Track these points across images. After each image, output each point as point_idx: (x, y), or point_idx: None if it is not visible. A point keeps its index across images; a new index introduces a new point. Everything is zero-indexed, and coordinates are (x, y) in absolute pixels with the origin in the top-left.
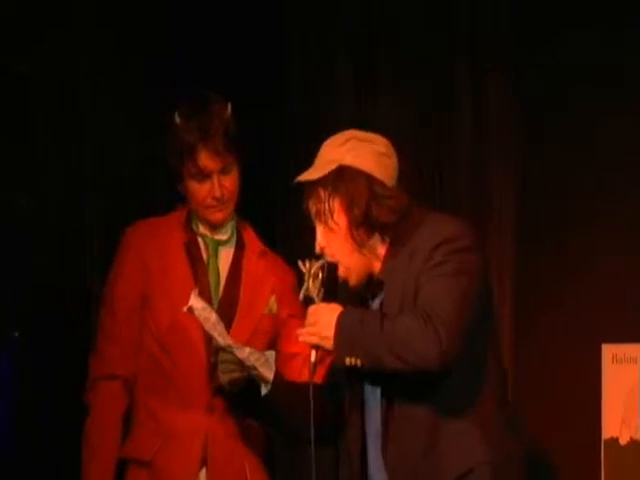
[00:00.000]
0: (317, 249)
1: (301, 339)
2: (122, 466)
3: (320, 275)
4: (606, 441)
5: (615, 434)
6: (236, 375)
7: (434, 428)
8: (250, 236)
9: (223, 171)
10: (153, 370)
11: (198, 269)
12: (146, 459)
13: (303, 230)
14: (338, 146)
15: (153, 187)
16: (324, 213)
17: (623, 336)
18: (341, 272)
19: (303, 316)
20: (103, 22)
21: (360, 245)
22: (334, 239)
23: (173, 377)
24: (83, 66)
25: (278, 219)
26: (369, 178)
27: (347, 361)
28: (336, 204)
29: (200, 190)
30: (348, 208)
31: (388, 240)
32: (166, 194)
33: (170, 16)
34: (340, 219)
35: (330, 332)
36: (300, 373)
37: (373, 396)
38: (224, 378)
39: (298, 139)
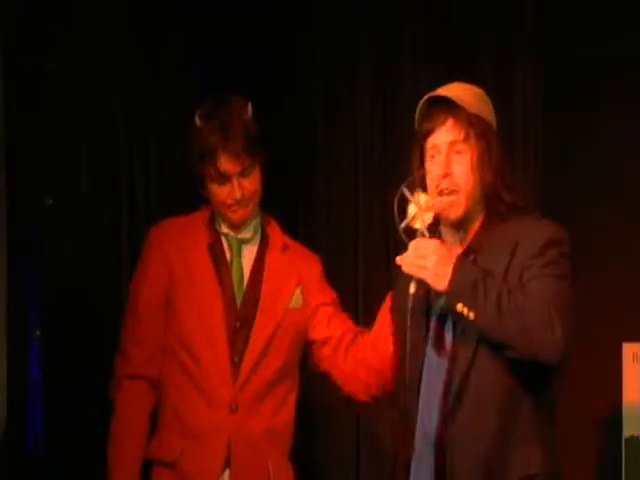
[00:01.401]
0: (442, 172)
1: (405, 269)
2: (149, 466)
3: (433, 211)
4: (627, 439)
5: (636, 432)
6: None
7: (509, 412)
8: (274, 231)
9: (243, 173)
10: (177, 371)
11: (221, 269)
12: (170, 460)
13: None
14: (479, 99)
15: (181, 187)
16: (470, 149)
17: None
18: (454, 201)
19: (334, 302)
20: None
21: (483, 194)
22: (463, 172)
23: (196, 377)
24: (113, 66)
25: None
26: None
27: (459, 307)
28: (485, 154)
29: (221, 192)
30: (494, 166)
31: (488, 207)
32: (194, 193)
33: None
34: (481, 168)
35: (445, 270)
36: (331, 356)
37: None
38: None
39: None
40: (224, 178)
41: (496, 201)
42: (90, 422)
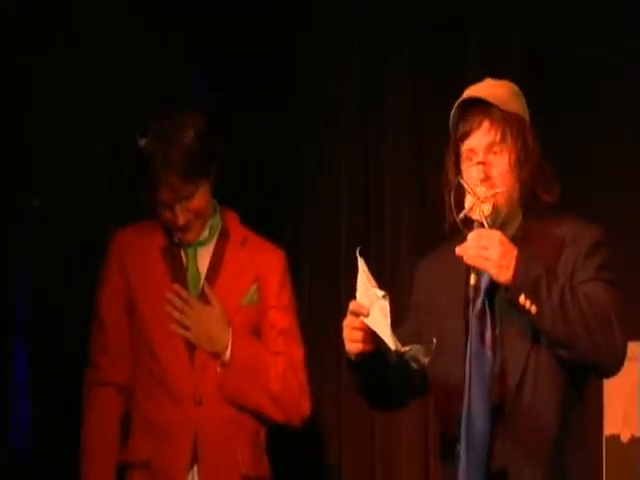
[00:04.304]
0: (482, 176)
1: (467, 260)
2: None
3: (491, 203)
4: (608, 438)
5: (616, 431)
6: (367, 347)
7: (565, 417)
8: (234, 225)
9: (186, 199)
10: (144, 373)
11: (177, 272)
12: (140, 461)
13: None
14: (515, 95)
15: None
16: (508, 150)
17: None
18: (498, 201)
19: (286, 308)
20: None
21: (521, 194)
22: (503, 174)
23: (161, 378)
24: (99, 67)
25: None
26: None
27: (521, 300)
28: (521, 152)
29: (165, 216)
30: (531, 164)
31: (527, 210)
32: None
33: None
34: (518, 167)
35: (509, 262)
36: (284, 375)
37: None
38: (352, 348)
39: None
40: (165, 206)
41: (534, 201)
42: (76, 424)
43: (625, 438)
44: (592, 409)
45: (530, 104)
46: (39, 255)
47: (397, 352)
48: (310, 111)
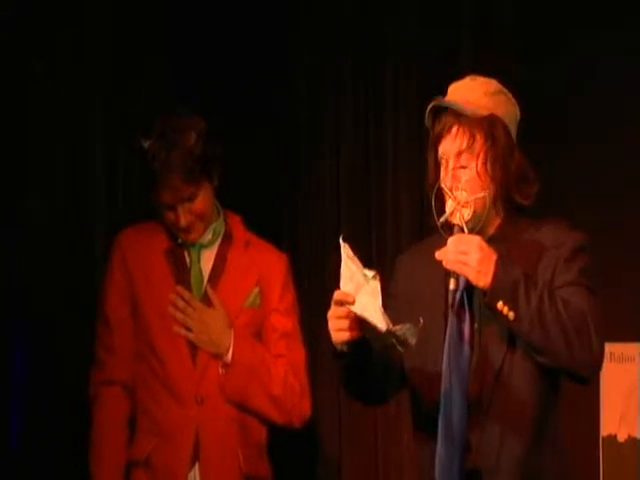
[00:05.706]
0: (449, 183)
1: (447, 265)
2: None
3: (471, 207)
4: (604, 438)
5: (614, 432)
6: (354, 335)
7: (542, 414)
8: (237, 228)
9: (187, 200)
10: (147, 373)
11: (181, 273)
12: (142, 459)
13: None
14: (490, 94)
15: None
16: (476, 155)
17: (622, 335)
18: (478, 206)
19: (287, 310)
20: (114, 24)
21: (497, 196)
22: (471, 182)
23: (164, 378)
24: (96, 67)
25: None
26: (513, 139)
27: (499, 306)
28: (490, 151)
29: (167, 217)
30: (502, 161)
31: (505, 211)
32: None
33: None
34: (489, 167)
35: (488, 267)
36: (285, 378)
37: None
38: (338, 337)
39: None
40: (167, 207)
41: (509, 202)
42: (69, 423)
43: (622, 438)
44: (589, 409)
45: (529, 104)
46: (34, 256)
47: (388, 332)
48: (308, 112)
